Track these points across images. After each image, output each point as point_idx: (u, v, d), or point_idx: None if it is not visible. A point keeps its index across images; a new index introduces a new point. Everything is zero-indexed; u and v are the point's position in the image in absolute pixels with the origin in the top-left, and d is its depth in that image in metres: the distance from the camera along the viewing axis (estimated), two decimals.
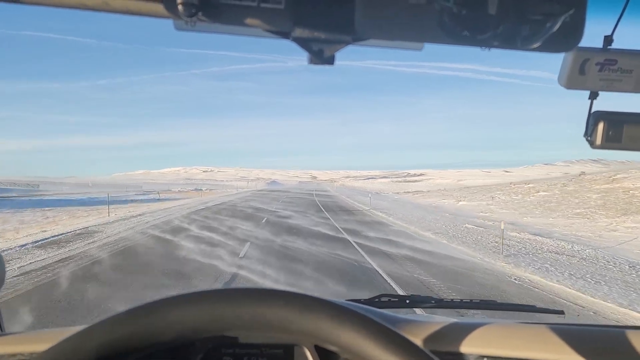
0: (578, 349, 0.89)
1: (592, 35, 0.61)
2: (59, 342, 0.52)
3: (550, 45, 0.44)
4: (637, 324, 1.17)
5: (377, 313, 1.06)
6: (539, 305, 1.49)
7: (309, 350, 0.75)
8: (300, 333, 0.54)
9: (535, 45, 0.43)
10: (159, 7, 0.40)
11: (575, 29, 0.43)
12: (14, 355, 0.98)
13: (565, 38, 0.44)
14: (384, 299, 1.41)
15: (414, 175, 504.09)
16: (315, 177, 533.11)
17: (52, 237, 13.87)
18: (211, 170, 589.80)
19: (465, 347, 0.94)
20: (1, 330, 1.23)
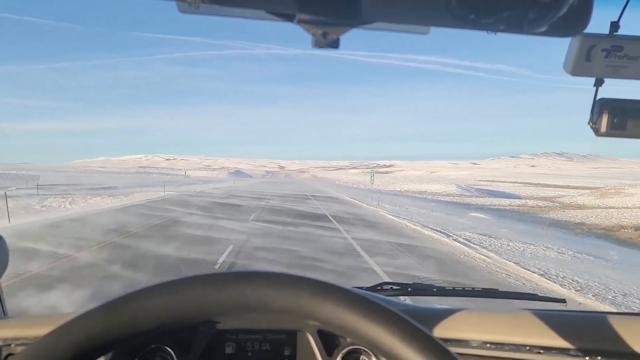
0: (579, 335, 0.92)
1: (598, 21, 0.60)
2: (57, 327, 0.52)
3: (557, 30, 0.43)
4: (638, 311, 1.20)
5: (384, 302, 1.04)
6: (541, 294, 1.41)
7: (312, 335, 0.76)
8: (308, 318, 0.53)
9: (542, 29, 0.42)
10: None
11: (582, 13, 0.43)
12: (17, 338, 0.99)
13: (572, 23, 0.43)
14: (385, 287, 1.41)
15: (384, 166, 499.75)
16: (283, 167, 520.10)
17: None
18: (174, 159, 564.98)
19: (469, 334, 0.96)
20: (4, 314, 1.22)
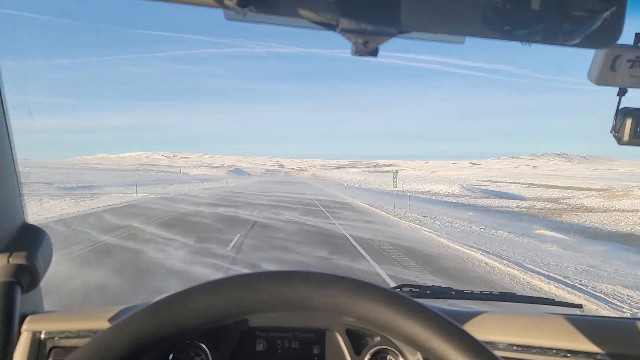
0: (598, 339, 0.92)
1: (624, 32, 0.63)
2: (113, 326, 0.55)
3: (590, 42, 0.44)
4: None
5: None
6: (557, 299, 1.50)
7: (340, 335, 0.77)
8: (347, 315, 0.55)
9: (576, 41, 0.43)
10: None
11: (614, 25, 0.44)
12: (62, 332, 1.01)
13: (605, 35, 0.44)
14: (405, 289, 1.41)
15: (384, 165, 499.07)
16: (282, 165, 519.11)
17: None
18: (174, 156, 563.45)
19: (495, 336, 0.97)
20: (42, 308, 1.22)
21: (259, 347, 0.90)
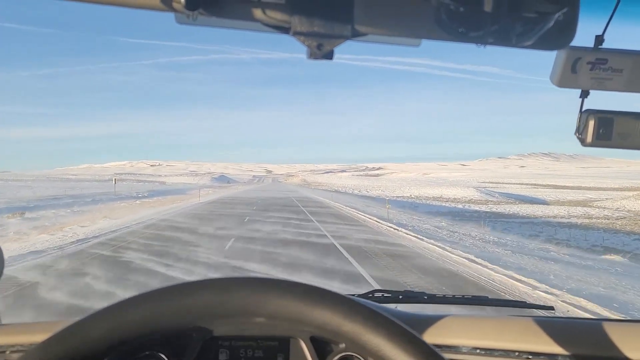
0: (567, 341, 0.93)
1: (583, 35, 0.62)
2: (51, 335, 0.53)
3: (544, 43, 0.45)
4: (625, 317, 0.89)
5: (376, 308, 1.15)
6: (529, 301, 1.66)
7: (305, 342, 0.77)
8: (305, 324, 0.54)
9: (529, 42, 0.43)
10: (160, 0, 0.40)
11: (568, 27, 0.44)
12: (12, 345, 1.00)
13: (558, 36, 0.45)
14: (377, 294, 1.42)
15: (373, 169, 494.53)
16: (270, 171, 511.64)
17: None
18: (159, 165, 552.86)
19: (459, 340, 0.97)
20: None
21: (222, 357, 0.88)
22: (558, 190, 71.74)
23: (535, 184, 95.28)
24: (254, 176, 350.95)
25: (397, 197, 50.55)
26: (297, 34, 0.43)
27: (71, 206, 25.49)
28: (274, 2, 0.42)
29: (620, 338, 0.91)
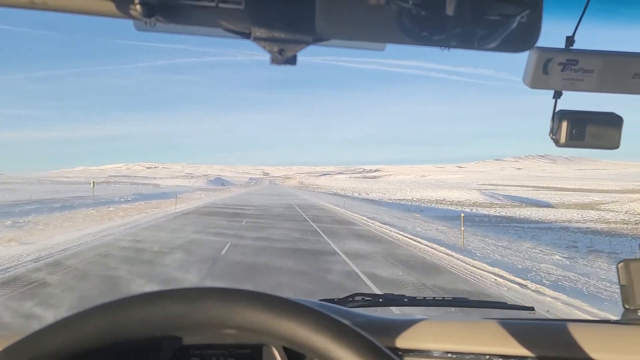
0: (541, 343, 0.93)
1: (554, 36, 0.60)
2: (7, 347, 0.52)
3: (508, 45, 0.44)
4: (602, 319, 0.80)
5: (349, 313, 1.08)
6: (510, 302, 1.68)
7: (277, 349, 0.76)
8: (268, 335, 0.54)
9: (492, 45, 0.43)
10: (117, 7, 0.40)
11: (532, 29, 0.44)
12: None
13: (523, 38, 0.45)
14: (357, 298, 1.41)
15: (370, 171, 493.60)
16: (267, 174, 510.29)
17: None
18: (155, 167, 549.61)
19: (432, 344, 0.97)
20: None
21: None
22: (560, 192, 70.89)
23: (536, 187, 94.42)
24: (250, 178, 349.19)
25: (399, 200, 49.66)
26: (257, 39, 0.42)
27: (15, 216, 18.47)
28: (233, 7, 0.42)
29: (589, 339, 0.92)
